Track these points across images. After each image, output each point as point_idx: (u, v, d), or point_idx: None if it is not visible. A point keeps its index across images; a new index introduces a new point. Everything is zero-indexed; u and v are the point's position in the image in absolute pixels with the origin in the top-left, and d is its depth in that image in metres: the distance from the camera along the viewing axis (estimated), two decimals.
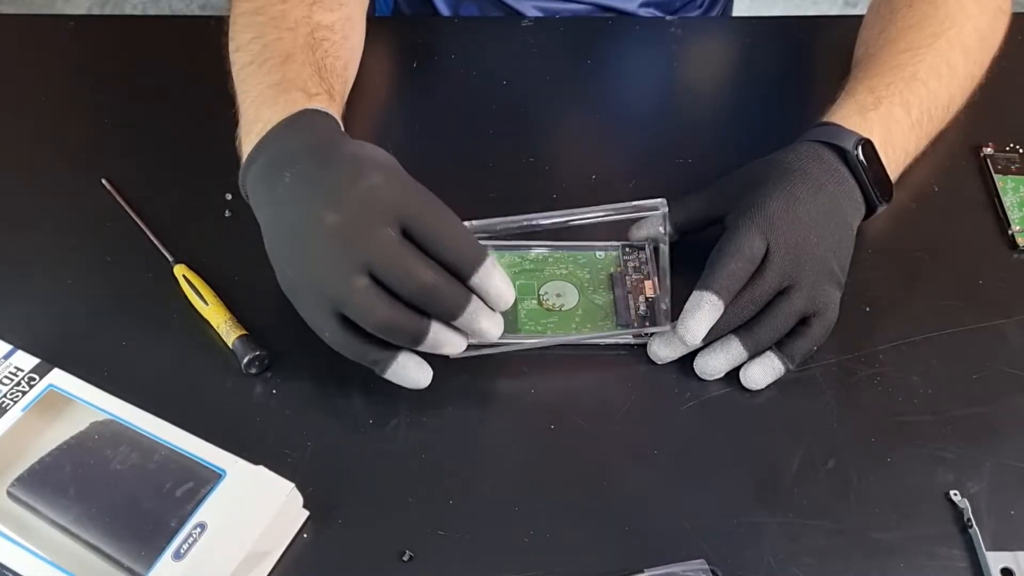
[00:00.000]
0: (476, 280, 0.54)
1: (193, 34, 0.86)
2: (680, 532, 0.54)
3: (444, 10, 0.95)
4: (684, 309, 0.59)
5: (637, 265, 0.66)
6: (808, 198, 0.61)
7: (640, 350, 0.62)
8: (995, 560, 0.52)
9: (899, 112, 0.67)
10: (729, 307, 0.59)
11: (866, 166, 0.63)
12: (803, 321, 0.60)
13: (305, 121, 0.58)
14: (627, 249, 0.67)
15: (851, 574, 0.53)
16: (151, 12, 2.17)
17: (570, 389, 0.61)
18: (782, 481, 0.56)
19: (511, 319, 0.63)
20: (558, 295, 0.65)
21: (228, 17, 0.69)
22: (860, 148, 0.63)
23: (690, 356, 0.61)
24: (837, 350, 0.62)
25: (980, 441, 0.58)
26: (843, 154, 0.63)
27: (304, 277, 0.55)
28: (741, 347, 0.60)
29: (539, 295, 0.65)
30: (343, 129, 0.61)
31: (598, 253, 0.67)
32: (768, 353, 0.60)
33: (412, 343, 0.55)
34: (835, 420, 0.59)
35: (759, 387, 0.60)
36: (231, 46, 0.67)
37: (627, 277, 0.65)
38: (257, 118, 0.60)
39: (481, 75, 0.81)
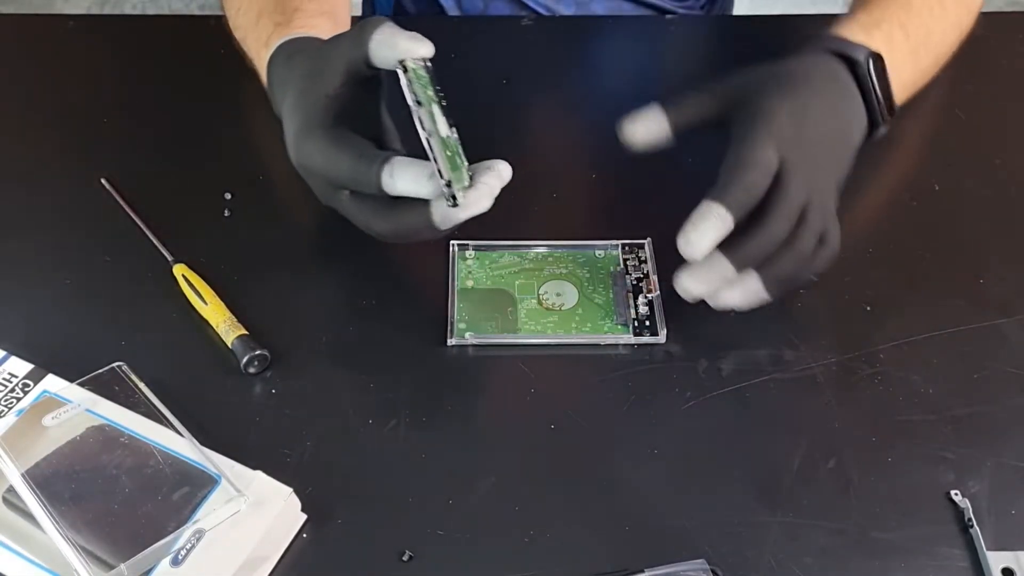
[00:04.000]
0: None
1: (193, 34, 0.86)
2: (680, 532, 0.54)
3: (451, 8, 0.94)
4: (688, 220, 0.54)
5: (637, 263, 0.66)
6: (819, 112, 0.58)
7: (640, 350, 0.62)
8: (996, 560, 0.52)
9: (899, 36, 0.65)
10: (760, 234, 0.55)
11: (875, 81, 0.61)
12: None
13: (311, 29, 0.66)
14: (626, 248, 0.67)
15: (851, 574, 0.53)
16: (150, 12, 2.17)
17: (570, 389, 0.61)
18: (782, 481, 0.56)
19: (511, 319, 0.63)
20: (558, 294, 0.65)
21: None
22: (871, 62, 0.61)
23: (690, 357, 0.61)
24: (837, 350, 0.62)
25: (981, 440, 0.58)
26: (852, 66, 0.61)
27: (286, 110, 0.59)
28: (758, 283, 0.57)
29: (539, 294, 0.65)
30: None
31: (597, 252, 0.67)
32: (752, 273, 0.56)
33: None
34: (835, 420, 0.59)
35: (737, 307, 0.57)
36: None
37: (626, 276, 0.65)
38: (271, 28, 0.67)
39: (481, 74, 0.81)
